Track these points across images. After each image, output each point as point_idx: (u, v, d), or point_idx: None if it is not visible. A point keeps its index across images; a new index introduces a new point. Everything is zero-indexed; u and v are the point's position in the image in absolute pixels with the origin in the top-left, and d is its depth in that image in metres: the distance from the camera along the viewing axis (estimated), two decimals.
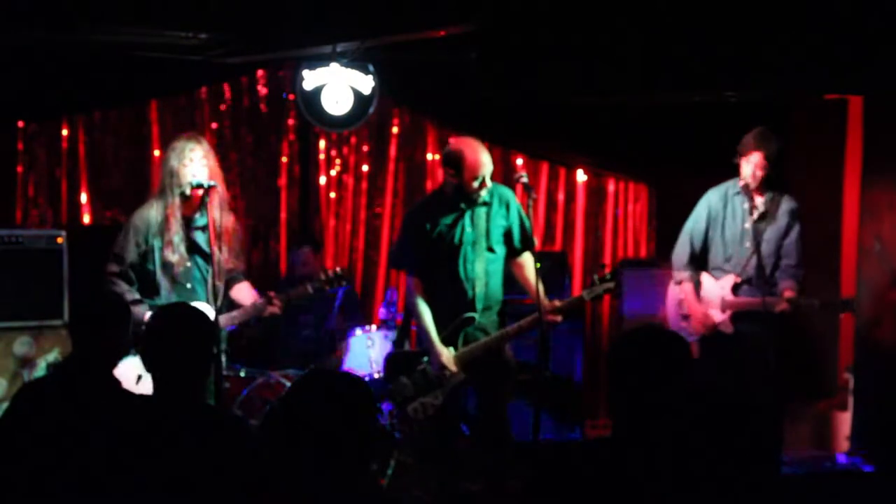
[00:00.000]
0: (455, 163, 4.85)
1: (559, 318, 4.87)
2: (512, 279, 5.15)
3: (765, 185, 5.54)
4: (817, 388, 6.68)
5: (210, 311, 4.46)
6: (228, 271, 5.09)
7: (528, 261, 4.99)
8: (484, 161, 4.85)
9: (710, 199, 5.71)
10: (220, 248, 4.96)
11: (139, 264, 4.96)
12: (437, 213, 4.97)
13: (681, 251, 5.73)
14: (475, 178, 4.84)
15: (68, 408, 3.36)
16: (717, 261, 5.66)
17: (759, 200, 5.56)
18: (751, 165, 5.49)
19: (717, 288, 5.62)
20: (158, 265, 4.95)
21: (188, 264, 4.98)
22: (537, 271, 4.87)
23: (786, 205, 5.56)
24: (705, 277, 5.67)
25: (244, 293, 5.23)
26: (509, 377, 5.03)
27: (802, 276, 5.57)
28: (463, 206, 4.94)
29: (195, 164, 4.95)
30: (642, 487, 2.61)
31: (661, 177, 7.12)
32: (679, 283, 5.69)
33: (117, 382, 3.59)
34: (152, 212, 4.97)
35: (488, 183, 4.89)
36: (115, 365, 3.60)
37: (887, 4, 4.92)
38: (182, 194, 4.93)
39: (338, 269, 5.27)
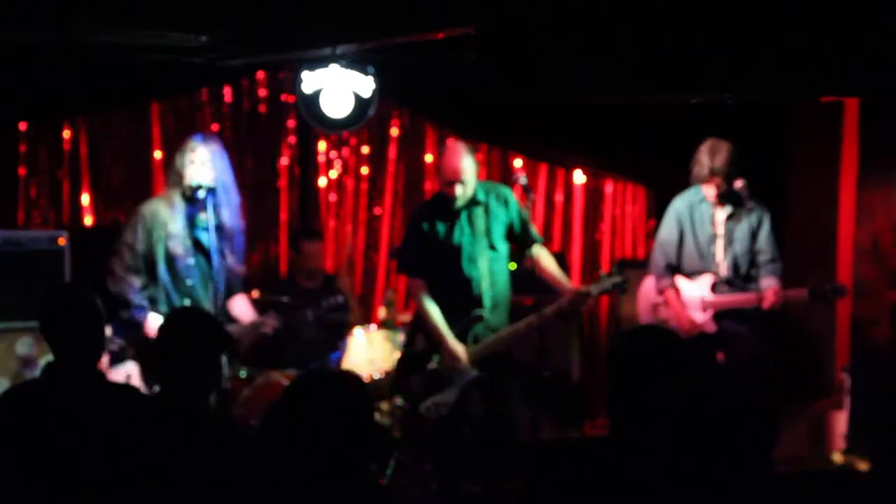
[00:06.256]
0: (437, 165, 4.95)
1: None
2: (527, 279, 5.15)
3: (726, 195, 5.56)
4: (814, 387, 6.69)
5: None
6: (229, 272, 5.16)
7: (542, 253, 5.03)
8: (460, 167, 4.86)
9: (678, 208, 5.73)
10: (223, 250, 5.06)
11: (145, 255, 5.03)
12: (435, 215, 5.01)
13: (656, 262, 5.77)
14: (447, 183, 4.88)
15: (57, 410, 3.32)
16: (692, 266, 5.69)
17: (724, 208, 5.62)
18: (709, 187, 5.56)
19: (695, 288, 5.64)
20: (162, 257, 5.04)
21: (191, 261, 5.06)
22: (554, 259, 5.00)
23: (752, 203, 5.58)
24: (681, 281, 5.69)
25: (241, 308, 5.32)
26: (516, 377, 5.05)
27: (781, 268, 5.61)
28: (459, 206, 4.98)
29: (196, 165, 5.03)
30: (640, 487, 2.63)
31: (659, 178, 7.14)
32: (662, 290, 5.70)
33: (104, 379, 3.57)
34: (160, 205, 5.10)
35: (468, 191, 4.90)
36: (97, 363, 3.53)
37: (885, 6, 4.95)
38: (183, 194, 5.03)
39: (339, 298, 5.45)
